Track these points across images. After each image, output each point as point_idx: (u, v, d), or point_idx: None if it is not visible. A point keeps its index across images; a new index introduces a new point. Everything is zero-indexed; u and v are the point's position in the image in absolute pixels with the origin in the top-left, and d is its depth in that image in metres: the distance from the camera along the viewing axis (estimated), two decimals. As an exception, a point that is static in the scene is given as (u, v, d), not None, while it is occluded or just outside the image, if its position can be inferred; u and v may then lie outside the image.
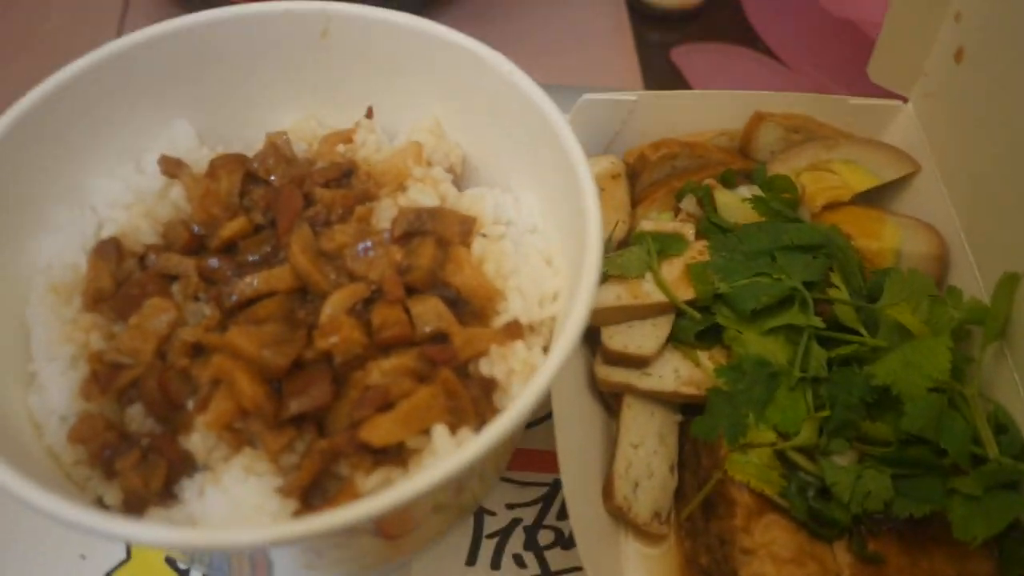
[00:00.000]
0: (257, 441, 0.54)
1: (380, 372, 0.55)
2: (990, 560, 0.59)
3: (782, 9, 1.08)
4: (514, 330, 0.58)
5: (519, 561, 0.65)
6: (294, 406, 0.54)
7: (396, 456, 0.53)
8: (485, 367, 0.56)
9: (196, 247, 0.62)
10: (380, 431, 0.52)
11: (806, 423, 0.61)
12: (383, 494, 0.44)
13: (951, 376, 0.62)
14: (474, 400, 0.55)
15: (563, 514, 0.67)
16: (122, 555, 0.64)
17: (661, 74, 1.03)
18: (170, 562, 0.64)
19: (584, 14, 1.08)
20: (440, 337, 0.57)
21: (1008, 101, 0.66)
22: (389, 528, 0.52)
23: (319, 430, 0.55)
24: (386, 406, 0.54)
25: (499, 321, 0.59)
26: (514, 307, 0.59)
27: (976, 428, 0.61)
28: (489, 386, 0.56)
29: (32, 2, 1.04)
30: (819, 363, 0.63)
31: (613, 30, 1.07)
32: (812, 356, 0.63)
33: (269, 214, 0.63)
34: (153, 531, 0.44)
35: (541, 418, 0.70)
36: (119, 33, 0.95)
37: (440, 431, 0.52)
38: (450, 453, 0.50)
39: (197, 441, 0.54)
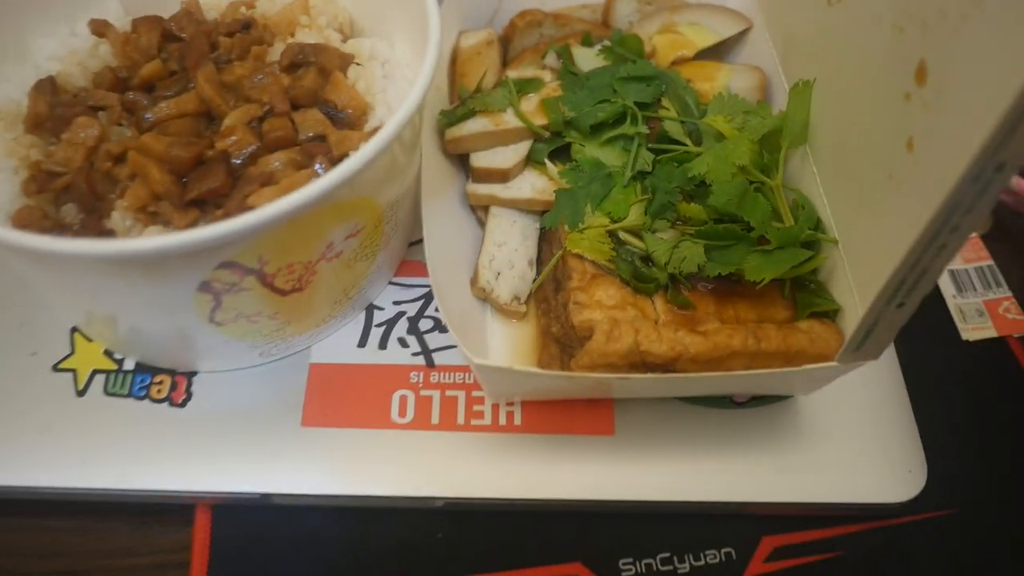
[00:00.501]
0: (168, 221, 0.66)
1: (268, 165, 0.68)
2: (788, 309, 0.71)
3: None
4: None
5: (403, 343, 0.76)
6: (196, 189, 0.66)
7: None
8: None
9: (121, 88, 0.74)
10: (263, 199, 0.64)
11: (633, 208, 0.73)
12: (248, 214, 0.56)
13: (761, 174, 0.74)
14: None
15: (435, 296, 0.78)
16: (67, 350, 0.76)
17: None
18: (108, 354, 0.76)
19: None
20: (319, 139, 0.70)
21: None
22: (274, 274, 0.64)
23: (216, 212, 0.67)
24: (271, 184, 0.66)
25: (368, 127, 0.71)
26: (380, 115, 0.71)
27: (777, 207, 0.73)
28: (358, 173, 0.68)
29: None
30: (646, 163, 0.75)
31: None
32: (640, 158, 0.75)
33: (182, 63, 0.76)
34: (82, 245, 0.54)
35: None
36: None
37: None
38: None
39: (117, 220, 0.66)
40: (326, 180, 0.58)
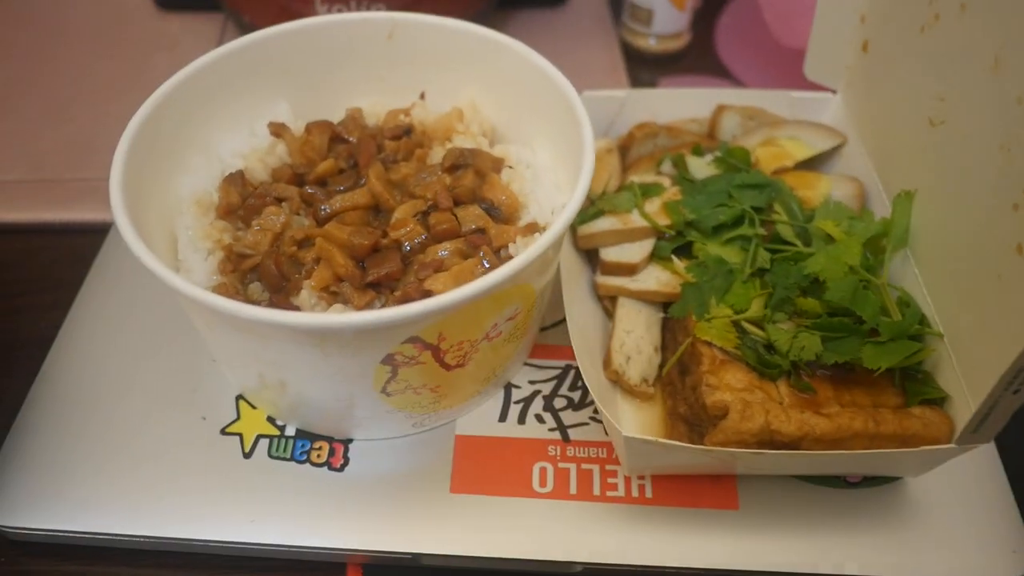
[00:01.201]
0: (347, 300, 0.75)
1: (436, 252, 0.76)
2: (899, 395, 0.78)
3: (746, 48, 1.32)
4: (533, 227, 0.79)
5: (539, 419, 0.83)
6: (373, 273, 0.74)
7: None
8: (513, 251, 0.77)
9: (298, 182, 0.84)
10: (438, 283, 0.72)
11: (754, 301, 0.81)
12: (447, 294, 0.64)
13: (867, 274, 0.82)
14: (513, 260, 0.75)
15: (573, 387, 0.85)
16: (233, 415, 0.83)
17: (649, 101, 1.26)
18: (270, 420, 0.83)
19: (588, 57, 1.32)
20: (480, 231, 0.78)
21: (899, 73, 0.88)
22: (447, 351, 0.71)
23: (392, 294, 0.76)
24: (442, 271, 0.74)
25: (522, 223, 0.80)
26: (533, 213, 0.80)
27: (885, 303, 0.80)
28: (516, 264, 0.77)
29: (136, 52, 1.30)
30: (764, 260, 0.83)
31: (611, 69, 1.31)
32: (759, 256, 0.84)
33: (351, 161, 0.85)
34: (288, 317, 0.63)
35: (554, 323, 0.90)
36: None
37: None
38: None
39: (304, 298, 0.74)
40: (507, 270, 0.66)
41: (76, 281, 0.96)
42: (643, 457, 0.75)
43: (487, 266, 0.75)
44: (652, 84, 1.29)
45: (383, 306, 0.74)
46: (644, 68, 1.32)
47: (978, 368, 0.73)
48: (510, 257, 0.77)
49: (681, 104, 1.03)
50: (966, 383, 0.74)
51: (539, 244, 0.68)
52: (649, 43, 1.31)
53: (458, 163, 0.82)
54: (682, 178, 0.93)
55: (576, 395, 0.85)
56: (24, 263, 1.03)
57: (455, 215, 0.79)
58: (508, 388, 0.86)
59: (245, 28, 1.21)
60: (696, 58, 1.33)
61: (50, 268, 1.03)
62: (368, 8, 1.13)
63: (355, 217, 0.80)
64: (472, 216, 0.79)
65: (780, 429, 0.72)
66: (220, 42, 1.32)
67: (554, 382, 0.86)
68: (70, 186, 1.09)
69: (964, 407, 0.74)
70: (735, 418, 0.73)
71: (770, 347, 0.79)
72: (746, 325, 0.80)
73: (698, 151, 0.97)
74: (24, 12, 1.38)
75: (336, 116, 0.91)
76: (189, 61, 0.83)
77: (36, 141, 1.16)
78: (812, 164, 0.99)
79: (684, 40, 1.32)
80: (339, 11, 1.13)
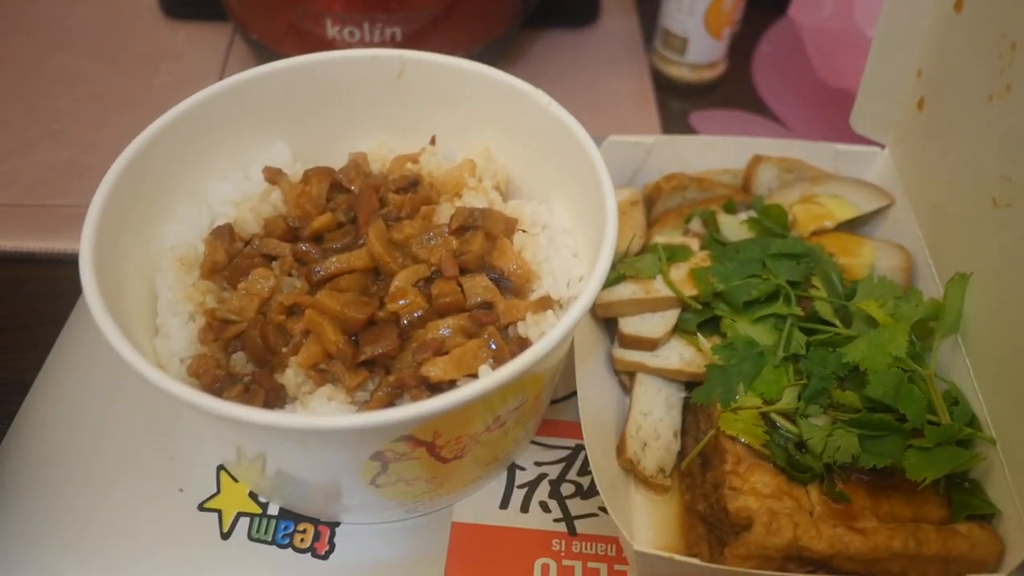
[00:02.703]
0: (338, 380, 0.68)
1: (437, 330, 0.69)
2: (943, 507, 0.70)
3: (786, 82, 1.24)
4: (545, 302, 0.72)
5: (544, 507, 0.76)
6: (368, 351, 0.67)
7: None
8: (522, 329, 0.70)
9: (291, 237, 0.77)
10: (437, 368, 0.65)
11: (787, 391, 0.73)
12: (441, 396, 0.57)
13: (913, 362, 0.74)
14: (512, 353, 0.68)
15: (583, 471, 0.78)
16: (213, 488, 0.77)
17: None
18: (252, 496, 0.76)
19: (616, 84, 1.24)
20: (486, 306, 0.71)
21: (959, 140, 0.80)
22: (443, 446, 0.64)
23: (387, 374, 0.69)
24: (442, 353, 0.67)
25: (534, 296, 0.73)
26: (546, 285, 0.73)
27: (931, 400, 0.72)
28: (525, 344, 0.69)
29: (140, 62, 1.23)
30: (799, 344, 0.75)
31: (640, 98, 1.23)
32: (793, 339, 0.76)
33: (350, 214, 0.78)
34: (265, 416, 0.56)
35: (565, 396, 0.83)
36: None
37: (485, 369, 0.65)
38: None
39: (290, 376, 0.67)
40: (513, 369, 0.58)
41: (58, 318, 0.90)
42: (657, 567, 0.67)
43: (493, 348, 0.68)
44: (684, 115, 1.21)
45: (376, 388, 0.67)
46: (676, 98, 1.24)
47: (1036, 488, 0.65)
48: (518, 336, 0.70)
49: (713, 152, 0.95)
50: (1019, 499, 0.67)
51: (551, 337, 0.61)
52: (682, 72, 1.23)
53: (467, 224, 0.75)
54: (712, 239, 0.86)
55: (586, 481, 0.78)
56: (5, 295, 0.97)
57: (460, 285, 0.72)
58: (512, 469, 0.79)
59: (252, 44, 1.14)
60: (732, 88, 1.25)
61: (32, 301, 0.97)
62: (382, 31, 1.05)
63: (352, 281, 0.72)
64: (479, 288, 0.71)
65: (810, 546, 0.65)
66: (227, 54, 1.24)
67: (562, 464, 0.79)
68: (57, 212, 1.03)
69: (1016, 526, 0.67)
70: (760, 532, 0.65)
71: (801, 445, 0.71)
72: (776, 418, 0.73)
73: (730, 207, 0.89)
74: (20, 15, 1.31)
75: (339, 158, 0.84)
76: (194, 73, 0.77)
77: (24, 160, 1.09)
78: (855, 226, 0.91)
79: (719, 70, 1.24)
80: (350, 33, 1.05)
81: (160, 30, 1.29)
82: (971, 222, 0.77)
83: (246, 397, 0.67)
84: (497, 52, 1.14)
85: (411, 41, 1.07)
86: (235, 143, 0.81)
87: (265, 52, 1.08)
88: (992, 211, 0.73)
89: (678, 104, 1.23)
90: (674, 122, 1.20)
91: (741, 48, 1.30)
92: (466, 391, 0.57)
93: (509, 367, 0.59)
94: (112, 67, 1.22)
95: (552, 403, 0.83)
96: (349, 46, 1.07)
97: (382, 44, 1.05)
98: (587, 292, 0.63)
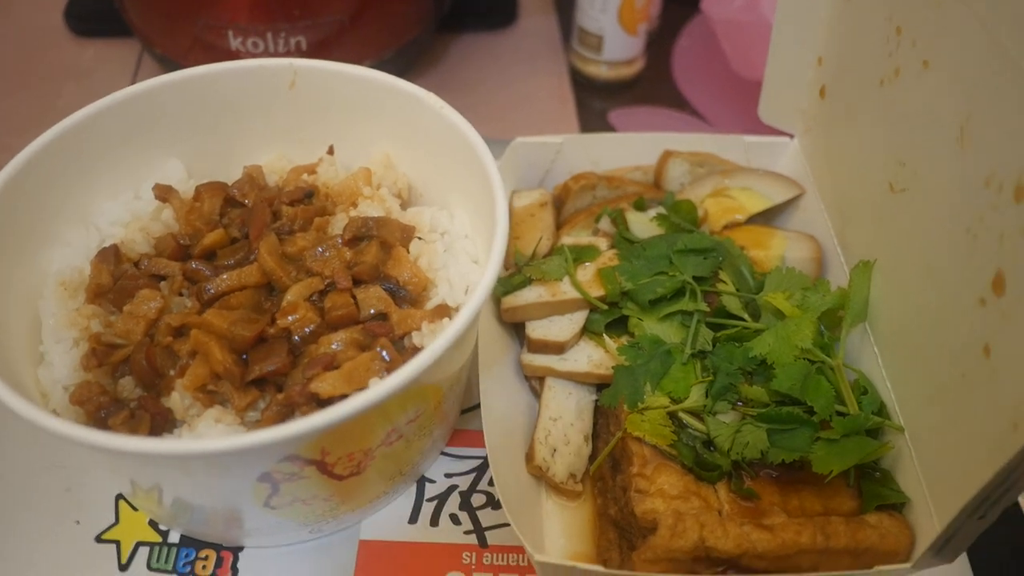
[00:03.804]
0: (227, 401, 0.66)
1: (330, 344, 0.67)
2: (853, 499, 0.69)
3: (705, 76, 1.23)
4: (442, 311, 0.70)
5: (455, 520, 0.74)
6: (257, 370, 0.65)
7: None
8: (417, 339, 0.68)
9: (182, 255, 0.74)
10: (327, 384, 0.63)
11: (694, 388, 0.72)
12: (318, 414, 0.55)
13: (821, 352, 0.73)
14: (407, 363, 0.67)
15: (494, 481, 0.77)
16: (111, 519, 0.74)
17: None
18: (152, 524, 0.74)
19: (535, 85, 1.23)
20: (381, 317, 0.69)
21: (858, 126, 0.79)
22: (335, 463, 0.62)
23: (279, 392, 0.66)
24: (332, 368, 0.65)
25: (431, 304, 0.71)
26: (442, 293, 0.71)
27: (840, 390, 0.71)
28: (420, 354, 0.68)
29: (45, 82, 1.20)
30: (706, 341, 0.74)
31: (559, 98, 1.22)
32: (700, 336, 0.75)
33: (244, 230, 0.76)
34: (146, 444, 0.53)
35: (476, 405, 0.81)
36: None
37: (376, 380, 0.63)
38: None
39: (176, 400, 0.65)
40: (398, 378, 0.57)
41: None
42: (564, 576, 0.66)
43: (387, 359, 0.66)
44: (603, 114, 1.20)
45: (267, 407, 0.65)
46: (595, 96, 1.23)
47: (941, 476, 0.64)
48: (414, 346, 0.68)
49: (624, 150, 0.94)
50: (927, 487, 0.66)
51: (438, 345, 0.59)
52: (600, 70, 1.21)
53: (360, 234, 0.73)
54: (621, 238, 0.84)
55: (497, 491, 0.76)
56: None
57: (354, 297, 0.70)
58: (421, 482, 0.77)
59: (159, 60, 1.11)
60: (651, 86, 1.24)
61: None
62: (287, 40, 1.03)
63: (243, 298, 0.70)
64: (373, 299, 0.69)
65: (716, 546, 0.64)
66: (136, 72, 1.22)
67: (473, 475, 0.77)
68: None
69: (925, 513, 0.66)
70: (665, 534, 0.64)
71: (710, 443, 0.70)
72: (684, 416, 0.71)
73: (640, 204, 0.88)
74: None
75: (236, 173, 0.81)
76: (102, 91, 0.74)
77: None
78: (767, 217, 0.91)
79: (638, 66, 1.23)
80: (254, 44, 1.03)
81: (67, 48, 1.25)
82: (873, 209, 0.76)
83: (131, 423, 0.65)
84: (410, 58, 1.12)
85: (318, 50, 1.05)
86: (125, 162, 0.78)
87: (173, 68, 1.05)
88: (890, 196, 0.73)
89: (598, 103, 1.22)
90: (594, 120, 1.19)
91: (661, 44, 1.29)
92: (347, 405, 0.55)
93: (395, 377, 0.57)
94: (13, 88, 1.19)
95: (463, 412, 0.81)
96: (255, 57, 1.05)
97: (287, 54, 1.03)
98: (476, 295, 0.62)
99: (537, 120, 1.17)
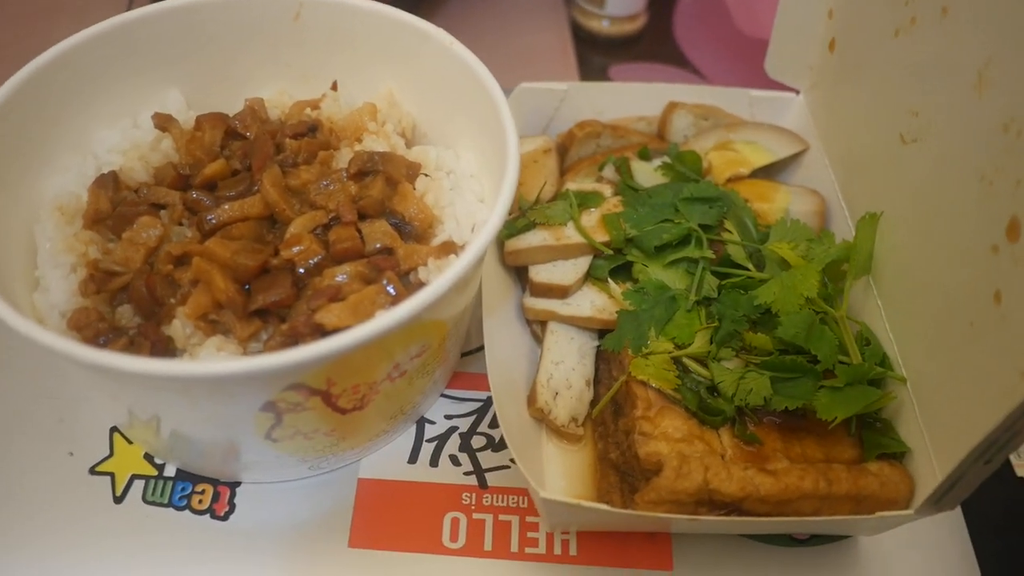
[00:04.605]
0: (229, 330, 0.64)
1: (334, 276, 0.66)
2: (855, 447, 0.69)
3: (707, 34, 1.22)
4: (448, 247, 0.69)
5: (455, 461, 0.74)
6: (260, 299, 0.64)
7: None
8: (423, 275, 0.67)
9: (182, 185, 0.73)
10: (331, 315, 0.62)
11: (698, 335, 0.72)
12: (330, 339, 0.54)
13: (825, 303, 0.73)
14: (413, 296, 0.66)
15: (494, 424, 0.76)
16: (106, 451, 0.73)
17: (600, 89, 1.16)
18: (148, 458, 0.73)
19: (536, 38, 1.22)
20: (386, 251, 0.68)
21: (869, 78, 0.79)
22: (339, 395, 0.61)
23: (282, 323, 0.65)
24: (338, 300, 0.64)
25: (436, 241, 0.70)
26: (449, 230, 0.70)
27: (843, 340, 0.71)
28: (426, 289, 0.67)
29: (38, 17, 1.17)
30: (711, 288, 0.74)
31: (560, 52, 1.20)
32: (705, 283, 0.74)
33: (246, 162, 0.74)
34: (153, 364, 0.52)
35: (477, 348, 0.80)
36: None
37: (381, 312, 0.62)
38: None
39: (177, 328, 0.64)
40: (406, 309, 0.56)
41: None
42: (566, 516, 0.66)
43: (392, 293, 0.65)
44: (604, 69, 1.19)
45: (270, 338, 0.64)
46: (596, 52, 1.22)
47: (943, 425, 0.64)
48: (419, 282, 0.67)
49: (629, 100, 0.93)
50: (929, 437, 0.66)
51: (445, 278, 0.58)
52: (602, 25, 1.20)
53: (366, 169, 0.72)
54: (625, 186, 0.83)
55: (497, 433, 0.76)
56: None
57: (359, 231, 0.68)
58: (421, 423, 0.76)
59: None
60: (652, 43, 1.23)
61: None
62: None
63: (245, 229, 0.69)
64: (379, 233, 0.68)
65: (720, 488, 0.64)
66: (128, 7, 1.19)
67: (473, 417, 0.77)
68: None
69: (926, 463, 0.66)
70: (670, 476, 0.64)
71: (714, 389, 0.70)
72: (688, 362, 0.71)
73: (644, 154, 0.87)
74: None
75: (236, 106, 0.79)
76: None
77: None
78: (770, 172, 0.90)
79: (640, 23, 1.22)
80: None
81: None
82: (880, 162, 0.76)
83: (130, 350, 0.63)
84: (408, 8, 1.10)
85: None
86: (123, 89, 0.76)
87: None
88: (900, 148, 0.72)
89: (598, 58, 1.21)
90: (594, 76, 1.18)
91: (663, 1, 1.28)
92: (356, 333, 0.54)
93: (402, 307, 0.56)
94: (7, 22, 1.16)
95: (463, 355, 0.81)
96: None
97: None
98: (485, 231, 0.61)
99: (538, 74, 1.14)
